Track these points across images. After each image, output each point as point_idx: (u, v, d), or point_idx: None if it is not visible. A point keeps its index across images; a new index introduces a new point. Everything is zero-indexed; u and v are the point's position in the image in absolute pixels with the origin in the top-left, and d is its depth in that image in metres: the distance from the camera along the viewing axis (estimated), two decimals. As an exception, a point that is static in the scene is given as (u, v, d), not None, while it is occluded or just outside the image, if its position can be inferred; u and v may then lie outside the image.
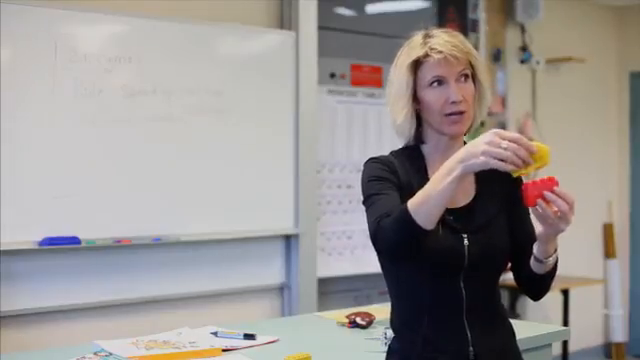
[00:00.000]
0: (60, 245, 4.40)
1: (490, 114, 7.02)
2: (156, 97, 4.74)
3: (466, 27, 6.78)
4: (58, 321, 4.52)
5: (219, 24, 5.08)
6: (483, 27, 6.91)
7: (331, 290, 5.60)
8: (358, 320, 3.41)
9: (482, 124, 2.71)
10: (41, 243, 4.34)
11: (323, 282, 5.54)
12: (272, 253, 5.35)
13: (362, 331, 3.35)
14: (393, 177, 2.50)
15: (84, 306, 4.59)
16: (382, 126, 5.92)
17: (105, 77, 4.58)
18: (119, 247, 4.66)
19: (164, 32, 4.82)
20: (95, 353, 2.90)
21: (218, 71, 5.02)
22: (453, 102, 2.40)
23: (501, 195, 2.49)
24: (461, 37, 2.50)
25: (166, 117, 4.78)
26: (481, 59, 2.50)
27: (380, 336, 3.02)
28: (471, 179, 2.48)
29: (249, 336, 3.15)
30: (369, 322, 3.40)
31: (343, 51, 5.91)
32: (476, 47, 6.74)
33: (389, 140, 5.91)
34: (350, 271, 5.73)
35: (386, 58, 6.16)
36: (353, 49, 6.00)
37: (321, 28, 5.52)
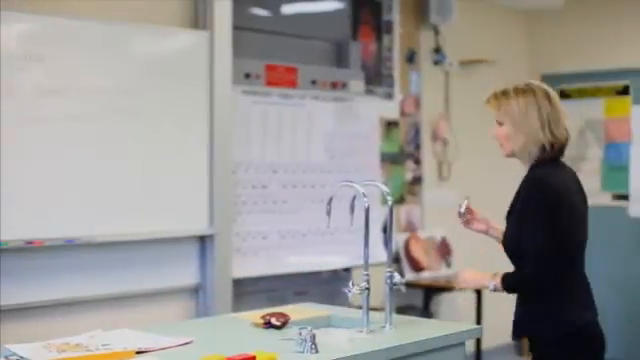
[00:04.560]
0: (-31, 247, 4.33)
1: (404, 115, 7.10)
2: (68, 96, 4.69)
3: (380, 28, 6.83)
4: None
5: (132, 24, 5.04)
6: (397, 29, 6.95)
7: (246, 291, 5.59)
8: (273, 321, 3.41)
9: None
10: (-52, 245, 4.27)
11: (238, 283, 5.53)
12: (187, 254, 5.32)
13: (277, 332, 3.35)
14: None
15: (-6, 309, 4.53)
16: (296, 126, 5.92)
17: (17, 76, 4.51)
18: (30, 249, 4.59)
19: (77, 31, 4.76)
20: (6, 357, 2.86)
21: (131, 71, 4.98)
22: None
23: (517, 206, 3.55)
24: (505, 90, 3.57)
25: (78, 117, 4.73)
26: (513, 111, 3.46)
27: (295, 336, 3.02)
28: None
29: None
30: (284, 322, 3.40)
31: (258, 51, 5.90)
32: (390, 48, 6.80)
33: (303, 140, 5.93)
34: (265, 271, 5.72)
35: (301, 59, 6.23)
36: (268, 49, 6.00)
37: (236, 28, 5.51)
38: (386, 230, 4.09)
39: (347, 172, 6.08)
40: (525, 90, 3.48)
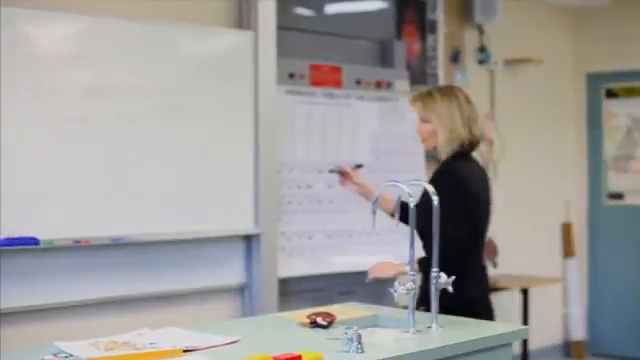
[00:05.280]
0: (19, 246, 4.36)
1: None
2: (114, 97, 4.72)
3: (424, 28, 6.80)
4: (16, 323, 4.49)
5: (178, 24, 5.06)
6: (441, 28, 6.93)
7: (292, 290, 5.59)
8: (319, 320, 3.40)
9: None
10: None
11: (284, 282, 5.53)
12: (232, 253, 5.34)
13: (323, 331, 3.34)
14: None
15: (43, 307, 4.56)
16: (341, 126, 5.92)
17: (63, 76, 4.55)
18: (78, 248, 4.62)
19: (123, 31, 4.79)
20: (54, 355, 2.88)
21: (177, 71, 5.00)
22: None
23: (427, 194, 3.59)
24: (430, 92, 3.97)
25: (124, 117, 4.76)
26: (439, 109, 3.89)
27: (341, 336, 3.01)
28: None
29: None
30: (330, 322, 3.39)
31: (302, 51, 5.90)
32: (434, 48, 6.78)
33: (348, 140, 5.92)
34: (311, 271, 5.72)
35: (345, 58, 6.22)
36: (312, 49, 6.00)
37: (280, 28, 5.51)
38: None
39: (392, 172, 6.06)
40: (448, 92, 3.96)
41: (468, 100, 3.95)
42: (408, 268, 3.52)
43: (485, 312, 3.92)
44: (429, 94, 3.96)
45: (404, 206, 3.87)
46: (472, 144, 3.93)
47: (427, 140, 3.97)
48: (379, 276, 3.94)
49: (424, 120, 3.95)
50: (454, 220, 3.66)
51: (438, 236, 3.44)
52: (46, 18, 4.54)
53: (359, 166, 4.40)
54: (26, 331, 4.51)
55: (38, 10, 4.50)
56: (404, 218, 3.85)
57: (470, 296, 3.77)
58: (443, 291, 3.53)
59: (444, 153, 3.94)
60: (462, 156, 3.92)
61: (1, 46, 4.35)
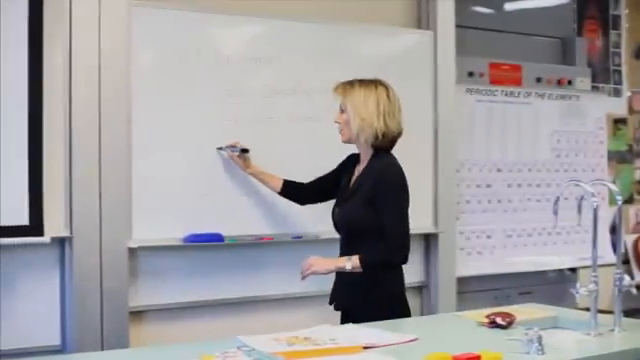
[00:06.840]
0: (203, 242, 4.50)
1: (633, 112, 6.91)
2: (296, 97, 4.81)
3: (607, 23, 6.67)
4: (201, 315, 4.62)
5: (357, 24, 5.11)
6: (624, 23, 6.77)
7: (470, 289, 5.57)
8: (498, 320, 3.38)
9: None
10: (185, 240, 4.45)
11: (462, 281, 5.52)
12: (411, 252, 5.32)
13: (502, 331, 3.32)
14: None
15: (225, 302, 4.68)
16: (521, 125, 5.86)
17: (247, 78, 4.66)
18: (260, 244, 4.73)
19: (303, 33, 4.88)
20: (238, 348, 2.95)
21: (357, 71, 5.00)
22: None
23: (365, 188, 3.87)
24: (352, 81, 4.00)
25: (307, 117, 4.84)
26: (355, 98, 3.92)
27: (521, 337, 2.99)
28: (356, 176, 4.01)
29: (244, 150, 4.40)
30: (510, 322, 3.37)
31: (481, 49, 5.88)
32: (617, 44, 6.63)
33: (528, 139, 5.86)
34: (490, 270, 5.69)
35: (525, 56, 6.14)
36: (491, 47, 5.96)
37: (459, 27, 5.50)
38: (614, 230, 3.98)
39: (573, 171, 5.97)
40: (368, 83, 3.98)
41: (388, 93, 3.97)
42: (349, 266, 3.82)
43: (401, 308, 3.94)
44: (350, 83, 3.99)
45: (290, 183, 4.43)
46: (386, 137, 3.92)
47: (343, 130, 3.99)
48: (317, 271, 3.96)
49: (342, 109, 3.98)
50: (404, 215, 3.89)
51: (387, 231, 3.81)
52: (231, 22, 4.66)
53: (244, 151, 4.47)
54: (210, 324, 4.64)
55: (224, 15, 4.63)
56: (288, 194, 4.45)
57: (389, 291, 3.89)
58: (360, 284, 3.84)
59: (360, 145, 4.01)
60: (386, 151, 3.98)
61: (190, 49, 4.50)
